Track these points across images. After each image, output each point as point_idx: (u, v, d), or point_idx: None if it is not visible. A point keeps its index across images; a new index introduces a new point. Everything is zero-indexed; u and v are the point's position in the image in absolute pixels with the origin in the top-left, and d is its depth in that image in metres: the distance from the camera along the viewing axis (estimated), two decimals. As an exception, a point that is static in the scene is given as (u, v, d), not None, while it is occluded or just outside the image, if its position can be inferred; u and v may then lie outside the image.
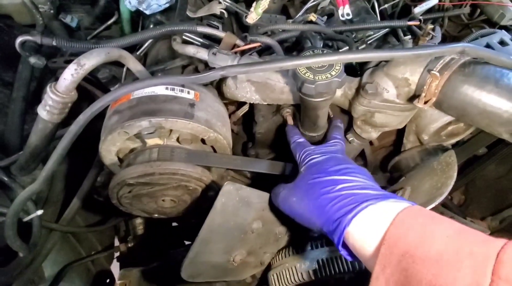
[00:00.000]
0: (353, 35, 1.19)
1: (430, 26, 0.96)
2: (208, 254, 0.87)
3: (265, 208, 0.90)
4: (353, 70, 1.09)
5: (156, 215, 1.03)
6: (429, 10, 1.33)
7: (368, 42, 1.17)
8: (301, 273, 0.97)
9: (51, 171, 0.84)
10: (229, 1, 1.20)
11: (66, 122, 0.87)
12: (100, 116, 0.83)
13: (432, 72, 0.74)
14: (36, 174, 1.06)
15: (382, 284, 0.56)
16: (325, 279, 0.95)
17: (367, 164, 1.22)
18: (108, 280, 1.57)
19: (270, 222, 0.94)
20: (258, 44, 1.00)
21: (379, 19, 1.30)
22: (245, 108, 1.13)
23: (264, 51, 1.08)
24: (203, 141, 0.94)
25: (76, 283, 1.34)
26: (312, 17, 1.18)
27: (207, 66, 1.04)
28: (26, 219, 0.99)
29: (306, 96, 0.82)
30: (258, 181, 1.21)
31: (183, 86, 0.91)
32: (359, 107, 0.92)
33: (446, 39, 1.50)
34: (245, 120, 1.22)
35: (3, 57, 1.22)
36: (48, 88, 0.78)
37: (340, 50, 1.09)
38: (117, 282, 1.09)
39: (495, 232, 1.46)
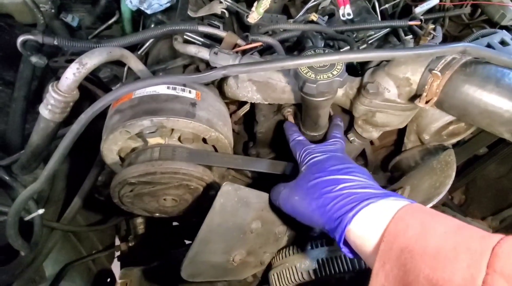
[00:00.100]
0: (354, 35, 1.19)
1: (431, 26, 0.96)
2: (208, 254, 0.87)
3: (264, 208, 0.90)
4: (354, 70, 1.09)
5: (157, 214, 1.03)
6: (430, 10, 1.33)
7: (369, 42, 1.17)
8: (301, 273, 0.97)
9: (52, 170, 0.84)
10: (230, 1, 1.20)
11: (67, 121, 0.87)
12: (101, 116, 0.83)
13: (434, 71, 0.75)
14: (37, 173, 1.06)
15: (382, 280, 0.57)
16: (325, 279, 0.95)
17: (368, 163, 1.23)
18: (108, 280, 1.57)
19: (270, 222, 0.94)
20: (260, 43, 1.00)
21: (379, 19, 1.30)
22: (246, 108, 1.13)
23: (265, 51, 1.08)
24: (204, 140, 0.94)
25: (77, 282, 1.34)
26: (313, 16, 1.18)
27: (208, 66, 1.04)
28: (28, 218, 1.00)
29: (308, 95, 0.82)
30: (259, 181, 1.21)
31: (184, 85, 0.91)
32: (360, 106, 0.92)
33: (447, 39, 1.51)
34: (246, 120, 1.23)
35: (4, 57, 1.22)
36: (50, 87, 0.78)
37: (342, 50, 1.09)
38: (118, 281, 1.09)
39: (495, 232, 1.46)
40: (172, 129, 0.90)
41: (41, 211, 1.01)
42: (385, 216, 0.62)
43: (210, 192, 0.93)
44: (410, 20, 1.11)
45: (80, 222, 1.39)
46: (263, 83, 0.97)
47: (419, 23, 1.12)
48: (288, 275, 0.98)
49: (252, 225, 0.90)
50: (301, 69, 0.79)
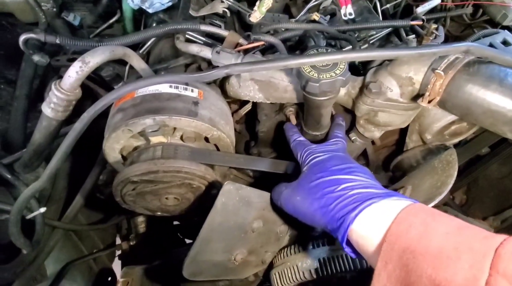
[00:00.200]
0: (356, 35, 1.19)
1: (434, 26, 0.96)
2: (209, 253, 0.87)
3: (266, 208, 0.90)
4: (356, 69, 1.09)
5: (159, 213, 1.03)
6: (431, 10, 1.33)
7: (371, 42, 1.17)
8: (303, 272, 0.97)
9: (55, 168, 0.84)
10: (232, 0, 1.20)
11: (68, 120, 0.87)
12: (102, 115, 0.83)
13: (437, 71, 0.75)
14: (39, 171, 1.06)
15: (384, 280, 0.57)
16: (327, 278, 0.95)
17: (369, 163, 1.23)
18: (109, 278, 1.58)
19: (271, 221, 0.94)
20: (262, 42, 1.00)
21: (381, 18, 1.30)
22: (248, 107, 1.13)
23: (267, 50, 1.08)
24: (206, 139, 0.94)
25: (78, 281, 1.34)
26: (315, 16, 1.18)
27: (210, 65, 1.04)
28: (30, 216, 1.00)
29: (310, 94, 0.82)
30: (261, 180, 1.21)
31: (186, 84, 0.91)
32: (363, 106, 0.92)
33: (448, 39, 1.50)
34: (248, 119, 1.22)
35: (6, 55, 1.22)
36: (52, 86, 0.78)
37: (345, 49, 1.09)
38: (120, 279, 1.09)
39: (496, 232, 1.46)
40: (174, 128, 0.90)
41: (43, 209, 1.01)
42: (388, 216, 0.62)
43: (212, 191, 0.93)
44: (412, 20, 1.11)
45: (81, 221, 1.39)
46: (265, 82, 0.97)
47: (421, 23, 1.12)
48: (289, 275, 0.98)
49: (254, 225, 0.90)
50: (304, 68, 0.78)
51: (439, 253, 0.51)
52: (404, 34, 1.16)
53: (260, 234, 0.93)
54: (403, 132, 1.15)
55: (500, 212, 1.49)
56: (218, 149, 0.98)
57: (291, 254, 1.01)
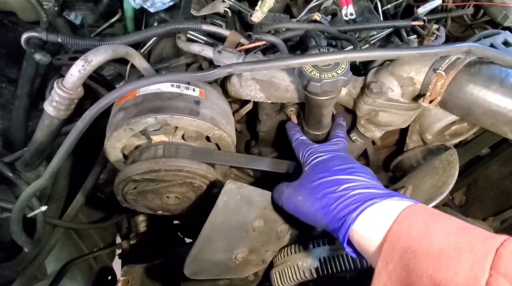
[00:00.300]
0: (356, 35, 1.19)
1: (435, 26, 0.97)
2: (210, 251, 0.87)
3: (267, 207, 0.91)
4: (357, 69, 1.09)
5: (160, 212, 1.03)
6: (432, 11, 1.34)
7: (371, 42, 1.17)
8: (303, 271, 0.97)
9: (57, 167, 0.84)
10: (233, 0, 1.20)
11: (69, 119, 0.88)
12: (103, 114, 0.83)
13: (438, 71, 0.75)
14: (39, 170, 1.06)
15: (385, 280, 0.57)
16: (327, 277, 0.95)
17: (370, 163, 1.23)
18: (109, 277, 1.58)
19: (272, 220, 0.94)
20: (263, 42, 1.00)
21: (381, 19, 1.30)
22: (249, 107, 1.13)
23: (268, 50, 1.09)
24: (207, 138, 0.94)
25: (78, 280, 1.34)
26: (317, 16, 1.18)
27: (211, 64, 1.05)
28: (31, 214, 1.00)
29: (312, 94, 0.82)
30: (261, 180, 1.21)
31: (188, 83, 0.91)
32: (364, 106, 0.92)
33: (449, 40, 1.51)
34: (249, 119, 1.23)
35: (7, 54, 1.23)
36: (55, 84, 0.78)
37: (346, 49, 1.09)
38: (121, 278, 1.09)
39: (496, 233, 1.46)
40: (176, 127, 0.90)
41: (44, 208, 1.01)
42: (389, 216, 0.62)
43: (213, 190, 0.94)
44: (413, 20, 1.11)
45: (82, 220, 1.40)
46: (267, 81, 0.98)
47: (422, 23, 1.12)
48: (290, 274, 0.98)
49: (255, 224, 0.90)
50: (305, 67, 0.79)
51: (440, 253, 0.51)
52: (405, 35, 1.17)
53: (261, 233, 0.93)
54: (404, 132, 1.15)
55: (500, 213, 1.49)
56: (219, 148, 0.98)
57: (291, 254, 1.01)
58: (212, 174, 0.92)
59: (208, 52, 0.97)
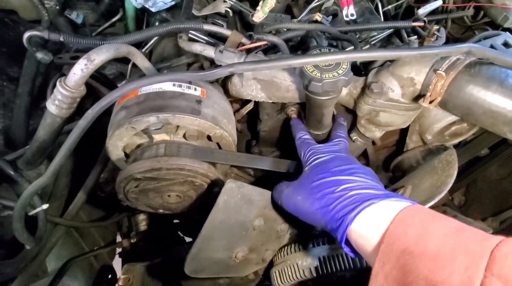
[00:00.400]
0: (357, 36, 1.20)
1: (436, 27, 0.97)
2: (211, 250, 0.88)
3: (267, 206, 0.91)
4: (358, 70, 1.10)
5: (161, 210, 1.04)
6: (433, 12, 1.34)
7: (372, 43, 1.17)
8: (303, 270, 0.98)
9: (59, 165, 0.84)
10: (234, 0, 1.21)
11: (70, 118, 0.88)
12: (104, 113, 0.84)
13: (438, 72, 0.75)
14: (40, 169, 1.07)
15: (381, 280, 0.57)
16: (327, 276, 0.96)
17: (369, 163, 1.23)
18: (110, 276, 1.58)
19: (272, 219, 0.95)
20: (264, 42, 1.00)
21: (382, 20, 1.30)
22: (250, 106, 1.14)
23: (269, 50, 1.09)
24: (209, 137, 0.95)
25: (79, 278, 1.35)
26: (318, 16, 1.19)
27: (212, 64, 1.05)
28: (32, 212, 1.00)
29: (313, 94, 0.83)
30: (261, 179, 1.22)
31: (190, 83, 0.92)
32: (364, 106, 0.93)
33: (449, 41, 1.51)
34: (249, 118, 1.23)
35: (8, 53, 1.22)
36: (57, 83, 0.79)
37: (348, 49, 1.10)
38: (121, 276, 1.09)
39: (494, 233, 1.47)
40: (178, 126, 0.90)
41: (45, 206, 1.01)
42: (386, 217, 0.63)
43: (214, 189, 0.94)
44: (414, 21, 1.12)
45: (83, 218, 1.40)
46: (268, 81, 0.98)
47: (422, 24, 1.13)
48: (289, 273, 0.99)
49: (255, 223, 0.90)
50: (307, 67, 0.79)
51: (436, 255, 0.52)
52: (405, 35, 1.17)
53: (261, 232, 0.94)
54: (404, 132, 1.16)
55: (498, 213, 1.50)
56: (220, 147, 0.99)
57: (291, 253, 1.02)
58: (213, 173, 0.92)
59: (209, 51, 0.98)
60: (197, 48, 0.99)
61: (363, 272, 0.93)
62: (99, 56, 0.78)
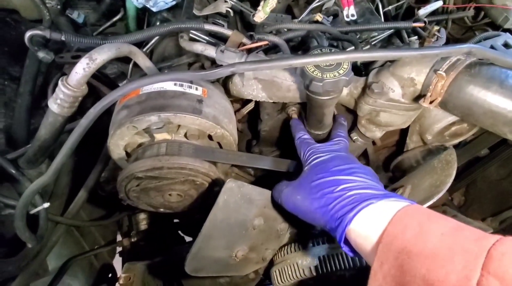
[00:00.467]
0: (358, 36, 1.20)
1: (436, 28, 0.97)
2: (211, 249, 0.88)
3: (267, 205, 0.91)
4: (358, 70, 1.10)
5: (162, 209, 1.04)
6: (433, 13, 1.34)
7: (372, 43, 1.18)
8: (303, 269, 0.98)
9: (60, 164, 0.85)
10: (235, 0, 1.21)
11: (71, 117, 0.88)
12: (105, 112, 0.84)
13: (439, 72, 0.75)
14: (41, 168, 1.07)
15: (380, 280, 0.58)
16: (326, 276, 0.96)
17: (370, 163, 1.24)
18: (110, 275, 1.58)
19: (272, 219, 0.95)
20: (265, 42, 1.01)
21: (383, 20, 1.31)
22: (251, 106, 1.14)
23: (270, 50, 1.09)
24: (210, 137, 0.95)
25: (79, 277, 1.35)
26: (318, 17, 1.19)
27: (213, 64, 1.05)
28: (33, 211, 1.00)
29: (314, 94, 0.83)
30: (261, 179, 1.22)
31: (191, 82, 0.92)
32: (365, 106, 0.93)
33: (449, 41, 1.51)
34: (250, 118, 1.23)
35: (10, 52, 1.22)
36: (59, 82, 0.79)
37: (349, 49, 1.10)
38: (122, 275, 1.10)
39: (494, 234, 1.47)
40: (179, 125, 0.91)
41: (46, 204, 1.01)
42: (385, 216, 0.63)
43: (214, 188, 0.94)
44: (414, 22, 1.12)
45: (83, 217, 1.40)
46: (269, 81, 0.98)
47: (423, 25, 1.13)
48: (289, 272, 0.99)
49: (255, 222, 0.90)
50: (308, 67, 0.79)
51: (434, 254, 0.52)
52: (406, 36, 1.18)
53: (261, 231, 0.94)
54: (404, 132, 1.16)
55: (498, 214, 1.50)
56: (221, 146, 0.99)
57: (291, 252, 1.02)
58: (214, 172, 0.92)
59: (210, 51, 0.98)
60: (198, 48, 0.99)
61: (363, 271, 0.94)
62: (101, 55, 0.78)
